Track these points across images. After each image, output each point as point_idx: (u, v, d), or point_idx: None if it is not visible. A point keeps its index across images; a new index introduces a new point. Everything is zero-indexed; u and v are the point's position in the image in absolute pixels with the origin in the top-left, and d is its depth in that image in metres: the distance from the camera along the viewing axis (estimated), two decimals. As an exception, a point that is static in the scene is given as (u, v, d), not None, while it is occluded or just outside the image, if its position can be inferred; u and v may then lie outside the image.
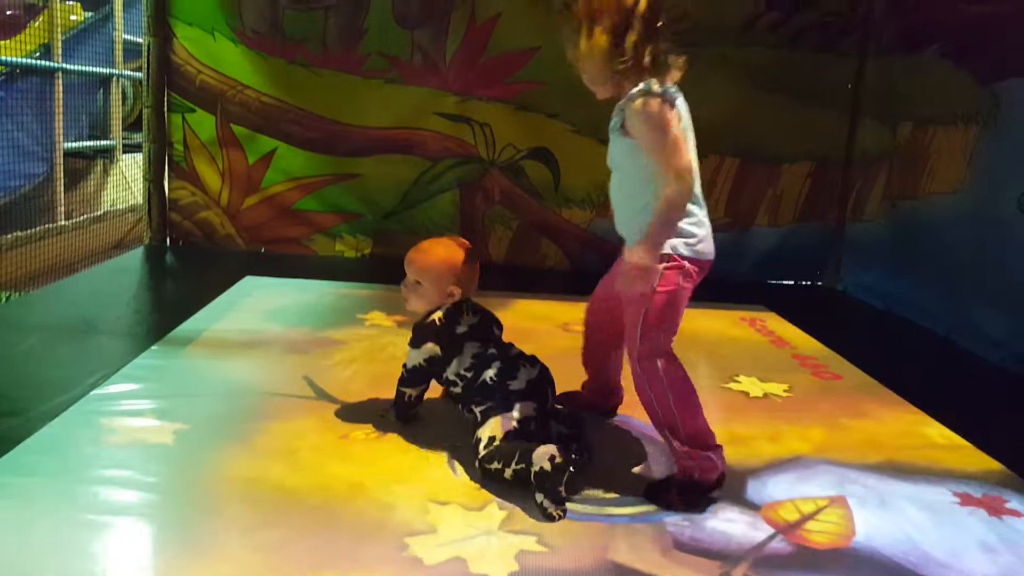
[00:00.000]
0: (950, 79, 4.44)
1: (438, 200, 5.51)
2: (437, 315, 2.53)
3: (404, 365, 2.60)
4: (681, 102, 2.22)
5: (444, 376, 2.53)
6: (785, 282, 5.68)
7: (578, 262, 5.56)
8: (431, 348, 2.52)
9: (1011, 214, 3.85)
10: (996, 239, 3.97)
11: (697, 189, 2.22)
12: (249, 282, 4.47)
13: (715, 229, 2.39)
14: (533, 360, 2.51)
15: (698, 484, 2.29)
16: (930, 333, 4.35)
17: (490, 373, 2.43)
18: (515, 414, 2.36)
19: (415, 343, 2.56)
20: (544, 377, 2.49)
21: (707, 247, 2.28)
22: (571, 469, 2.17)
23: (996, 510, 2.39)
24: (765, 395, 3.26)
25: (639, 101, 2.12)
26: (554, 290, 4.70)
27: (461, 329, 2.52)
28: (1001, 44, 4.10)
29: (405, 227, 5.49)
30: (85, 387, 2.79)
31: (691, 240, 2.23)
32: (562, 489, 2.17)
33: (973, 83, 4.26)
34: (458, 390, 2.50)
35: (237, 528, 2.00)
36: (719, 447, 2.32)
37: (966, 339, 4.10)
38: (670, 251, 2.20)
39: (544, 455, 2.16)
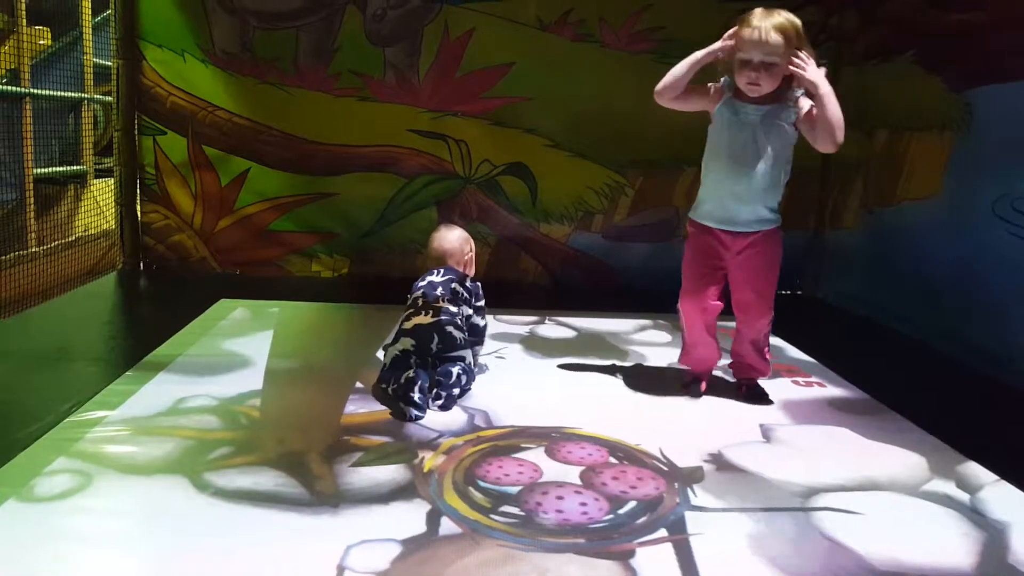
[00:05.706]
0: (923, 86, 4.46)
1: (415, 218, 5.46)
2: None
3: None
4: None
5: None
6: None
7: (559, 276, 5.55)
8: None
9: (987, 220, 3.86)
10: (973, 245, 3.98)
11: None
12: (224, 305, 4.42)
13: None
14: (433, 312, 3.09)
15: None
16: (910, 339, 4.35)
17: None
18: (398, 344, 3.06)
19: None
20: (431, 328, 3.05)
21: (702, 214, 3.14)
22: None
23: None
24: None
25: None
26: (534, 305, 4.65)
27: (420, 282, 3.26)
28: (972, 51, 4.13)
29: (382, 245, 5.46)
30: (59, 414, 2.74)
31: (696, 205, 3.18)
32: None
33: (946, 90, 4.29)
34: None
35: (215, 556, 1.94)
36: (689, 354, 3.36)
37: (946, 345, 4.10)
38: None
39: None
